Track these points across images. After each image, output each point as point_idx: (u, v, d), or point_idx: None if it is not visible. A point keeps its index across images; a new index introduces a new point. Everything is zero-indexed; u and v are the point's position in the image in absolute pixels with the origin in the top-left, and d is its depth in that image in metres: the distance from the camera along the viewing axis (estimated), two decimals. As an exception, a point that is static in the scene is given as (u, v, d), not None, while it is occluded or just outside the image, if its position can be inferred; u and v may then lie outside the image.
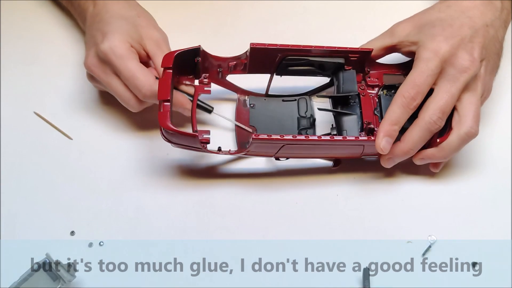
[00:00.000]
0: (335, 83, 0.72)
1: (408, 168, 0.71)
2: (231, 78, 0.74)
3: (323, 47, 0.69)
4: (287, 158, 0.70)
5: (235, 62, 0.71)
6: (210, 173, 0.71)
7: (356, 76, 0.71)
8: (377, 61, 0.72)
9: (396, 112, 0.64)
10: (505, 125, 0.75)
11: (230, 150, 0.69)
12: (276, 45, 0.68)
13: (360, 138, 0.65)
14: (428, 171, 0.71)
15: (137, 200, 0.70)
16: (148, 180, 0.71)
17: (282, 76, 0.73)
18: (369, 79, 0.72)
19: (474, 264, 0.66)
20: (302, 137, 0.64)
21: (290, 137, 0.63)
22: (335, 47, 0.69)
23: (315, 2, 0.84)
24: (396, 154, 0.66)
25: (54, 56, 0.79)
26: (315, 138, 0.64)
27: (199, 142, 0.64)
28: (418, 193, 0.70)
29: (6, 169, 0.71)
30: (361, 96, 0.71)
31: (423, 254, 0.66)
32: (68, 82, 0.77)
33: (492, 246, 0.67)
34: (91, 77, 0.71)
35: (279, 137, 0.63)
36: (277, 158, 0.70)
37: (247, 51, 0.69)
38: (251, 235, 0.68)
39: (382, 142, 0.64)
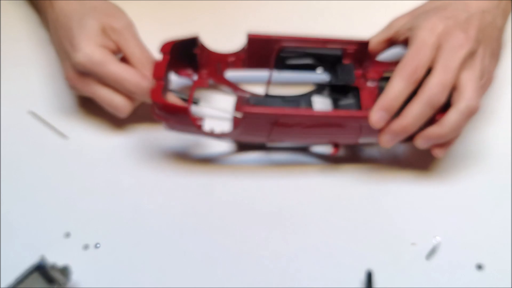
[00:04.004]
0: (334, 76, 0.73)
1: (412, 167, 0.71)
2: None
3: (319, 37, 0.70)
4: (282, 141, 0.69)
5: (234, 58, 0.73)
6: (210, 173, 0.71)
7: (354, 68, 0.71)
8: (377, 59, 0.73)
9: (395, 86, 0.62)
10: (509, 123, 0.74)
11: (223, 132, 0.68)
12: (272, 35, 0.70)
13: (355, 113, 0.64)
14: (433, 171, 0.71)
15: (134, 201, 0.69)
16: (145, 181, 0.70)
17: (282, 76, 0.74)
18: (368, 73, 0.72)
19: (479, 266, 0.65)
20: (296, 110, 0.64)
21: (283, 110, 0.64)
22: (331, 38, 0.70)
23: (317, 1, 0.84)
24: (394, 130, 0.63)
25: (50, 55, 0.79)
26: (310, 112, 0.65)
27: (189, 116, 0.64)
28: (422, 194, 0.70)
29: (0, 169, 0.71)
30: (360, 89, 0.71)
31: (428, 256, 0.66)
32: (63, 81, 0.75)
33: (498, 248, 0.66)
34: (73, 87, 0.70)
35: (269, 111, 0.64)
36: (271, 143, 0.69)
37: (245, 45, 0.71)
38: (251, 235, 0.67)
39: (376, 115, 0.62)
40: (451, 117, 0.63)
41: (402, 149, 0.73)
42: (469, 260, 0.65)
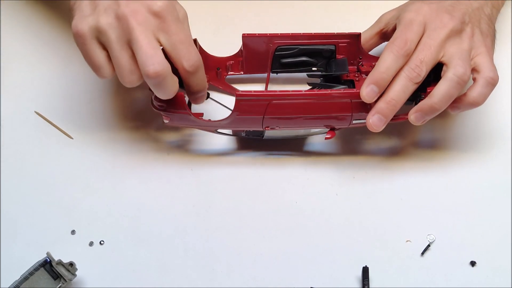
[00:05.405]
0: (328, 71, 0.73)
1: (408, 166, 0.72)
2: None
3: (312, 33, 0.71)
4: (278, 128, 0.69)
5: (232, 62, 0.74)
6: (210, 173, 0.72)
7: (347, 62, 0.72)
8: (370, 53, 0.74)
9: (386, 60, 0.63)
10: (507, 122, 0.75)
11: (219, 120, 0.69)
12: (266, 34, 0.71)
13: (346, 90, 0.65)
14: (428, 168, 0.72)
15: (138, 199, 0.70)
16: (148, 180, 0.71)
17: (280, 76, 0.75)
18: (362, 67, 0.73)
19: (472, 263, 0.66)
20: (287, 91, 0.65)
21: (274, 92, 0.65)
22: (323, 33, 0.71)
23: (316, 2, 0.85)
24: (379, 107, 0.64)
25: (55, 55, 0.80)
26: (300, 91, 0.65)
27: (185, 103, 0.65)
28: (417, 192, 0.71)
29: (6, 169, 0.72)
30: (355, 81, 0.72)
31: (422, 253, 0.67)
32: (69, 81, 0.78)
33: (492, 245, 0.67)
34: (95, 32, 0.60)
35: (262, 92, 0.64)
36: (266, 129, 0.70)
37: (241, 47, 0.72)
38: (251, 234, 0.68)
39: (367, 88, 0.63)
40: (440, 86, 0.64)
41: (398, 145, 0.73)
42: (462, 257, 0.66)
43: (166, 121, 0.68)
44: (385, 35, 0.73)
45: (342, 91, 0.66)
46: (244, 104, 0.65)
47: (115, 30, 0.59)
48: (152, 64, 0.58)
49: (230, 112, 0.67)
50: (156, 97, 0.65)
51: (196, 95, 0.65)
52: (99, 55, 0.60)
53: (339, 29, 0.74)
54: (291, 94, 0.65)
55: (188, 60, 0.61)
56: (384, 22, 0.72)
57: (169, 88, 0.61)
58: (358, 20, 0.77)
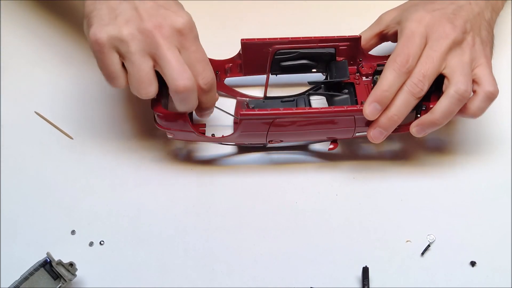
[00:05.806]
0: (329, 74, 0.73)
1: (408, 167, 0.72)
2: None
3: (311, 37, 0.71)
4: (281, 141, 0.70)
5: (230, 64, 0.74)
6: (210, 173, 0.72)
7: (348, 65, 0.72)
8: (370, 53, 0.74)
9: (388, 78, 0.64)
10: (505, 124, 0.75)
11: (223, 135, 0.69)
12: (265, 38, 0.71)
13: (349, 107, 0.65)
14: (428, 169, 0.72)
15: (138, 200, 0.70)
16: (148, 180, 0.71)
17: (279, 78, 0.74)
18: (362, 68, 0.73)
19: (472, 263, 0.66)
20: (291, 110, 0.65)
21: (278, 110, 0.65)
22: (323, 36, 0.71)
23: (315, 2, 0.85)
24: (381, 122, 0.65)
25: (55, 55, 0.80)
26: (304, 110, 0.65)
27: (189, 123, 0.65)
28: (417, 192, 0.71)
29: (6, 169, 0.72)
30: (355, 84, 0.72)
31: (422, 254, 0.67)
32: (69, 82, 0.78)
33: (492, 245, 0.67)
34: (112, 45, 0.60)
35: (266, 111, 0.64)
36: (270, 143, 0.70)
37: (240, 50, 0.72)
38: (251, 234, 0.68)
39: (370, 107, 0.64)
40: (442, 103, 0.64)
41: (398, 146, 0.74)
42: (462, 257, 0.66)
43: (170, 136, 0.68)
44: (385, 36, 0.72)
45: (345, 109, 0.65)
46: (248, 123, 0.65)
47: (138, 42, 0.59)
48: (182, 79, 0.59)
49: (232, 117, 0.67)
50: (160, 116, 0.66)
51: (205, 112, 0.67)
52: (116, 65, 0.60)
53: (340, 28, 0.74)
54: (294, 112, 0.65)
55: (204, 78, 0.62)
56: (384, 24, 0.71)
57: (193, 102, 0.62)
58: (359, 20, 0.77)
